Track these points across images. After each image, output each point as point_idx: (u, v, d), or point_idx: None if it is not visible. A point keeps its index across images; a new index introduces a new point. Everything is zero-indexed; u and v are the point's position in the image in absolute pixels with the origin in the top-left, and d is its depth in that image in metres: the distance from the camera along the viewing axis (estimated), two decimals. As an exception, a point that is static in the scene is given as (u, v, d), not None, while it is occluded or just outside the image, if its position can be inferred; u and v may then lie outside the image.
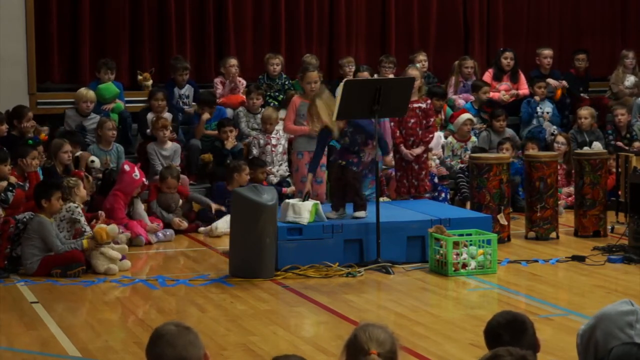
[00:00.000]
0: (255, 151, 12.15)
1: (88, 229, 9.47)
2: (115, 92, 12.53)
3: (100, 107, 12.31)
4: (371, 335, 3.56)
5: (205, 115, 12.42)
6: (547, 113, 13.49)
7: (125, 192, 10.58)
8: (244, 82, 13.14)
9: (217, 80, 13.13)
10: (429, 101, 11.26)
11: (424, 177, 11.20)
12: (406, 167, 11.11)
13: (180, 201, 11.26)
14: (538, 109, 13.52)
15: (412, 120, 11.03)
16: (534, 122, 13.48)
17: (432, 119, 11.18)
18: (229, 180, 11.49)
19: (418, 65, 13.67)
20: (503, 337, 3.84)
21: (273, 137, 12.19)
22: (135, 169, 10.73)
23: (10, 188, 9.69)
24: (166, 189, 11.18)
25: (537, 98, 13.48)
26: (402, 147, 11.04)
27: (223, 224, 10.81)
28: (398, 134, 11.08)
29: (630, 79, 14.29)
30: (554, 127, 13.37)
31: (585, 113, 13.18)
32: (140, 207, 10.80)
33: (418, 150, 11.08)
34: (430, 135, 11.23)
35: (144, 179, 10.83)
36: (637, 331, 3.76)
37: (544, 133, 13.32)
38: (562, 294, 8.49)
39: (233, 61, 13.04)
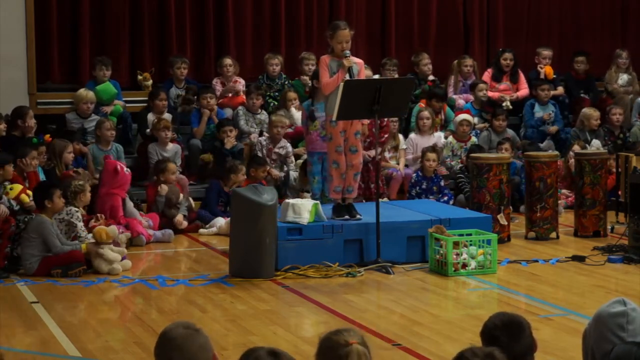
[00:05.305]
0: (260, 154, 12.10)
1: (84, 234, 9.48)
2: (113, 93, 12.51)
3: (99, 109, 12.32)
4: (342, 333, 3.52)
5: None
6: (550, 113, 13.48)
7: (122, 190, 10.58)
8: (242, 81, 13.15)
9: (216, 80, 13.13)
10: None
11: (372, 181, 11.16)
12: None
13: (182, 196, 11.24)
14: (540, 110, 13.53)
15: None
16: (538, 122, 13.49)
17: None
18: (225, 180, 11.51)
19: (424, 68, 13.72)
20: (500, 339, 3.84)
21: (275, 152, 12.12)
22: (120, 164, 10.73)
23: None
24: (170, 176, 11.23)
25: (546, 116, 13.44)
26: None
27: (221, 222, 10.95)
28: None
29: (623, 77, 14.35)
30: (555, 127, 13.42)
31: (595, 114, 13.20)
32: (131, 205, 10.79)
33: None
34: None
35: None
36: (629, 332, 3.77)
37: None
38: (562, 294, 8.49)
39: (228, 61, 13.04)
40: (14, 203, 9.53)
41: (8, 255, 9.33)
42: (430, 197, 11.88)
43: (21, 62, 12.53)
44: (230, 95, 13.02)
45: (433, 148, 12.22)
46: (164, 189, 11.07)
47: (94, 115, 12.23)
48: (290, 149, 12.26)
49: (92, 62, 12.72)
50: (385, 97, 9.11)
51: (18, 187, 9.64)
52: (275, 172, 11.99)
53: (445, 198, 11.98)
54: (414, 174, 12.14)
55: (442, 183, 12.15)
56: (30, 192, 9.64)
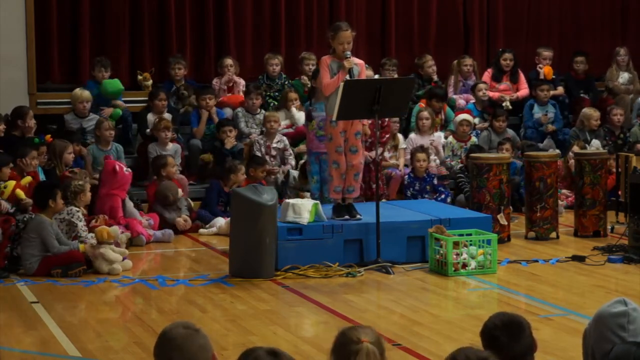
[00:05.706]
0: (259, 154, 12.11)
1: (84, 234, 9.47)
2: (119, 88, 12.53)
3: (98, 110, 12.32)
4: (358, 330, 3.56)
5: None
6: (546, 114, 13.48)
7: (122, 190, 10.58)
8: (242, 81, 13.15)
9: (216, 80, 13.13)
10: None
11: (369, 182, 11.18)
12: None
13: (180, 191, 11.21)
14: (539, 111, 13.53)
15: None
16: (536, 124, 13.49)
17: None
18: (225, 180, 11.52)
19: (429, 70, 13.70)
20: (500, 339, 3.85)
21: (273, 148, 12.13)
22: (120, 164, 10.72)
23: None
24: (171, 169, 11.24)
25: (544, 119, 13.43)
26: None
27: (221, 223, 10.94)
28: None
29: (624, 76, 14.36)
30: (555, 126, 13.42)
31: (595, 115, 13.20)
32: (131, 205, 10.79)
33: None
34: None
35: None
36: (630, 332, 3.77)
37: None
38: (562, 294, 8.49)
39: (228, 61, 13.05)
40: (9, 205, 9.52)
41: (8, 255, 9.33)
42: (425, 196, 11.89)
43: (21, 62, 12.53)
44: (227, 86, 13.00)
45: (422, 148, 12.22)
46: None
47: (92, 115, 12.23)
48: (287, 142, 12.29)
49: (92, 62, 12.73)
50: (385, 97, 9.10)
51: (12, 183, 9.64)
52: (276, 168, 11.99)
53: (442, 196, 11.99)
54: (406, 176, 12.15)
55: (436, 181, 12.14)
56: (23, 182, 9.65)
